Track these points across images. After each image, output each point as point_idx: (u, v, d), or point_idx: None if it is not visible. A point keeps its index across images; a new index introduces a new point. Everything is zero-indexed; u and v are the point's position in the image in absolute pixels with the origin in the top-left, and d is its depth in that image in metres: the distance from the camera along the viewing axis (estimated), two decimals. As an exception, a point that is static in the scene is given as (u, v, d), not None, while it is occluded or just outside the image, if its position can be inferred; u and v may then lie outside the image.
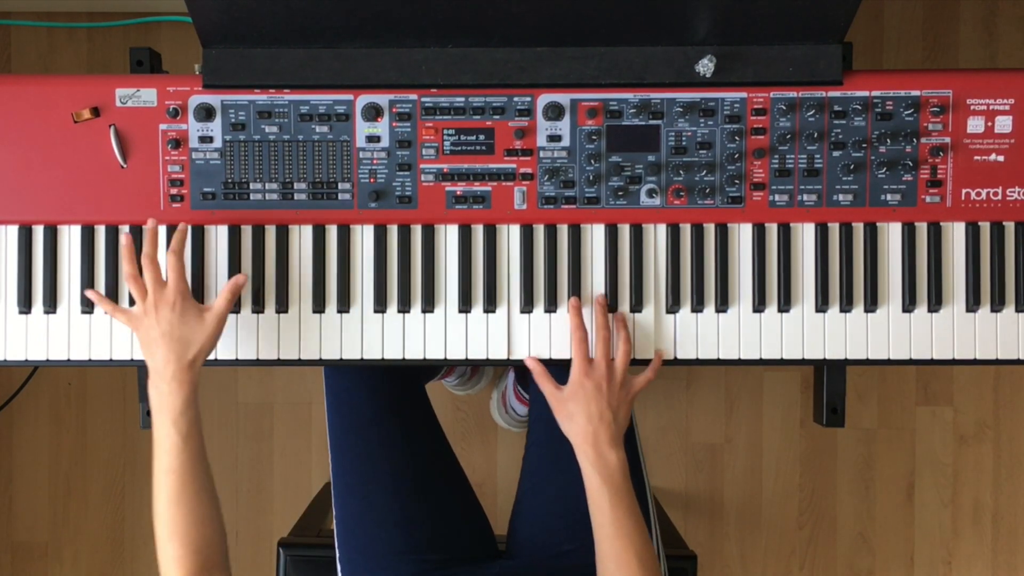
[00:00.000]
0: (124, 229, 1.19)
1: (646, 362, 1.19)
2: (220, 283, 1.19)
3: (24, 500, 2.12)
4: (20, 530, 2.12)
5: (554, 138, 1.17)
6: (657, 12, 1.11)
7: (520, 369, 1.84)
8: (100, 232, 1.20)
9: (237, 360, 1.20)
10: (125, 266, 1.12)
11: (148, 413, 1.22)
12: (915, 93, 1.17)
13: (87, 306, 1.19)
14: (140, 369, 1.22)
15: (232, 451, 2.11)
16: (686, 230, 1.19)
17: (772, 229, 1.19)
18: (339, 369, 1.29)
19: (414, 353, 1.19)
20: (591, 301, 1.19)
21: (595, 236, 1.19)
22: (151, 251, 1.11)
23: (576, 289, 1.18)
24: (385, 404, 1.30)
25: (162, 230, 1.19)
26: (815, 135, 1.17)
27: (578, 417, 1.12)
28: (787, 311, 1.19)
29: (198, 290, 1.19)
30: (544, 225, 1.19)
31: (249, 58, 1.16)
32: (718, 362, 1.19)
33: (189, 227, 1.16)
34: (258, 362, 1.20)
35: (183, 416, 1.06)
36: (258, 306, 1.19)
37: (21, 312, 1.20)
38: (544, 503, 1.28)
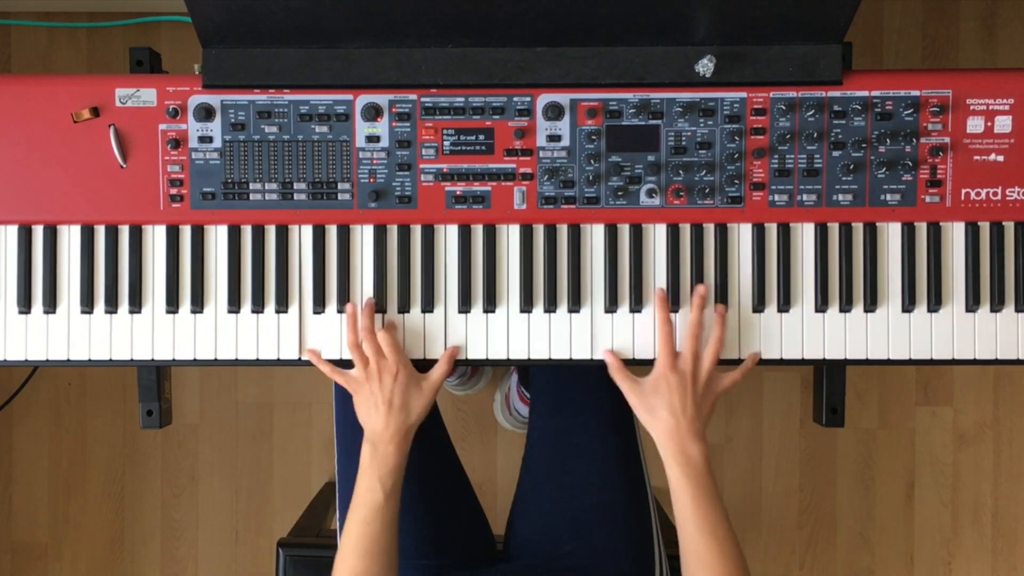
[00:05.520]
0: (125, 229, 1.19)
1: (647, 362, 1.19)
2: (220, 284, 1.19)
3: (24, 500, 2.12)
4: (20, 530, 2.13)
5: (554, 138, 1.18)
6: (657, 12, 1.11)
7: (523, 369, 1.84)
8: (100, 232, 1.20)
9: (237, 360, 1.20)
10: (348, 335, 1.16)
11: (149, 413, 1.23)
12: (915, 93, 1.17)
13: (87, 306, 1.19)
14: (140, 369, 1.22)
15: (232, 451, 2.11)
16: (686, 230, 1.19)
17: (772, 229, 1.19)
18: None
19: (414, 353, 1.19)
20: (591, 301, 1.19)
21: (595, 236, 1.19)
22: (369, 324, 1.15)
23: (576, 289, 1.18)
24: None
25: (161, 231, 1.19)
26: (815, 135, 1.17)
27: (660, 411, 1.11)
28: (787, 311, 1.19)
29: (197, 291, 1.19)
30: (544, 225, 1.19)
31: (249, 58, 1.16)
32: (718, 362, 1.19)
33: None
34: (258, 362, 1.20)
35: (390, 476, 1.10)
36: (258, 306, 1.19)
37: (21, 312, 1.20)
38: (544, 503, 1.28)
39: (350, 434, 1.28)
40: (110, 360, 1.20)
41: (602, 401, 1.30)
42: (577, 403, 1.30)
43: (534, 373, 1.38)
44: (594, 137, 1.17)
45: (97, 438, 2.11)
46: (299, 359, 1.20)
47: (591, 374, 1.30)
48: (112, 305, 1.19)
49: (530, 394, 1.42)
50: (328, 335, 1.19)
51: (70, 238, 1.20)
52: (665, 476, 1.11)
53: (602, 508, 1.25)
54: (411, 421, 1.12)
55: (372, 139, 1.18)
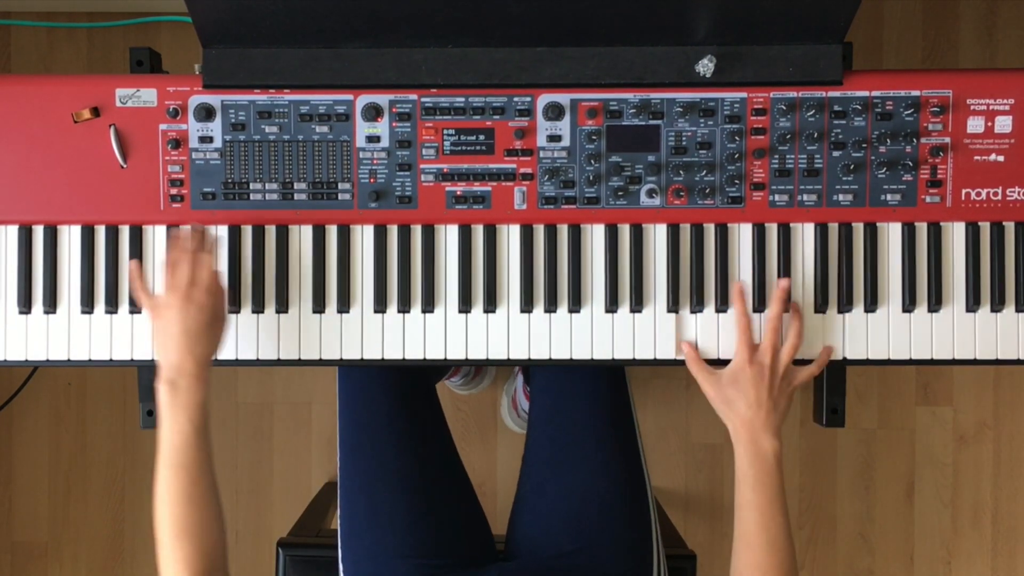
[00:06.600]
0: (125, 229, 1.19)
1: (648, 362, 1.19)
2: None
3: (24, 500, 2.12)
4: (20, 530, 2.12)
5: (554, 138, 1.17)
6: (657, 12, 1.11)
7: (527, 368, 1.84)
8: (100, 232, 1.20)
9: (237, 360, 1.20)
10: (170, 251, 1.13)
11: (150, 413, 1.23)
12: (915, 93, 1.17)
13: (87, 306, 1.19)
14: (140, 369, 1.22)
15: (232, 451, 2.11)
16: (686, 230, 1.19)
17: (772, 229, 1.19)
18: (354, 368, 1.29)
19: (414, 353, 1.19)
20: (591, 301, 1.19)
21: (595, 236, 1.19)
22: (196, 247, 1.13)
23: (576, 289, 1.18)
24: (399, 403, 1.29)
25: (161, 231, 1.19)
26: (815, 135, 1.17)
27: (738, 403, 1.12)
28: (787, 311, 1.19)
29: (198, 290, 1.19)
30: (544, 225, 1.19)
31: (249, 58, 1.16)
32: (718, 362, 1.19)
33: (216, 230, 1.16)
34: (258, 362, 1.20)
35: (198, 412, 1.06)
36: (258, 306, 1.19)
37: (21, 312, 1.20)
38: (546, 503, 1.28)
39: (354, 433, 1.28)
40: (110, 360, 1.20)
41: (603, 400, 1.29)
42: (577, 402, 1.30)
43: (534, 372, 1.38)
44: (594, 137, 1.17)
45: (97, 438, 2.11)
46: (299, 359, 1.20)
47: (592, 372, 1.30)
48: (112, 305, 1.19)
49: (530, 391, 1.42)
50: (329, 334, 1.19)
51: (70, 238, 1.20)
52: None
53: (602, 508, 1.24)
54: (209, 352, 1.08)
55: (372, 139, 1.18)
